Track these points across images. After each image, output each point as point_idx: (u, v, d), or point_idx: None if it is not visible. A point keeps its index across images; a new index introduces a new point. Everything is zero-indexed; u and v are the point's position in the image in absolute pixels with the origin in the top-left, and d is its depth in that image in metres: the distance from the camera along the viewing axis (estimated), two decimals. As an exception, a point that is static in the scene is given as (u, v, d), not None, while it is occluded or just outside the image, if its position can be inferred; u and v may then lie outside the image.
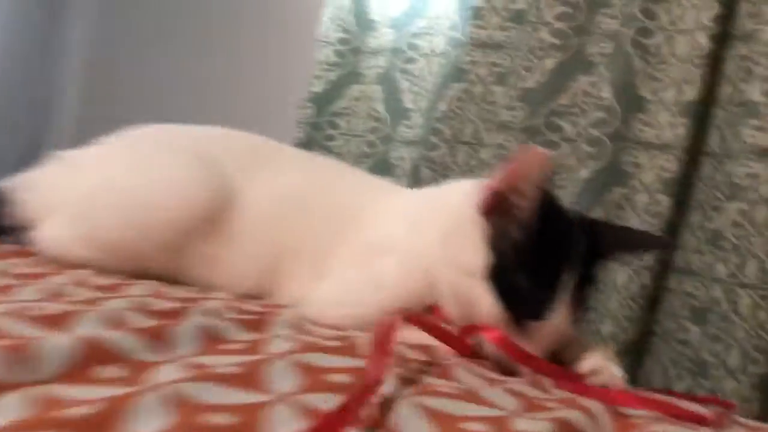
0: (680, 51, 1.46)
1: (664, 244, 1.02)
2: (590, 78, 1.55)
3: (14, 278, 0.73)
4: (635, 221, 1.45)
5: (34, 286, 0.70)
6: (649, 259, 1.42)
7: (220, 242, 0.94)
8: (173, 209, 0.92)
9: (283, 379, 0.49)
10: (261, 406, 0.43)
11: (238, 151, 1.02)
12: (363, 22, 1.84)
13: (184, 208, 0.92)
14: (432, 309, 0.87)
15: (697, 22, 1.44)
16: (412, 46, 1.79)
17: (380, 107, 1.81)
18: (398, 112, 1.79)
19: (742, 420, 0.71)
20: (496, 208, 0.78)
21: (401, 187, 1.14)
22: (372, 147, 1.80)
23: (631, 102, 1.47)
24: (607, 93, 1.47)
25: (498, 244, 0.79)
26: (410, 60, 1.79)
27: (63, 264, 0.90)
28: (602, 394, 0.67)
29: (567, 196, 1.49)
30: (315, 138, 1.83)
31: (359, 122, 1.83)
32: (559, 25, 1.57)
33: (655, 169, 1.45)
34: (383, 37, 1.83)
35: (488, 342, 0.76)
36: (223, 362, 0.52)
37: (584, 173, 1.47)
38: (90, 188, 0.95)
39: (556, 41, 1.56)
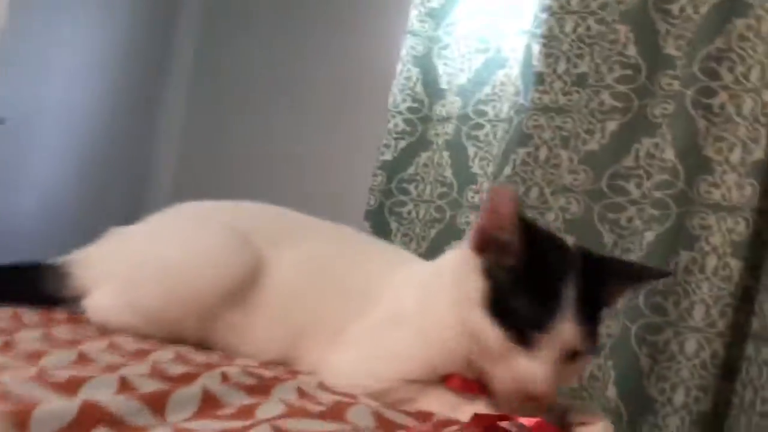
0: (745, 110, 1.42)
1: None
2: (653, 139, 1.53)
3: (51, 344, 0.81)
4: (705, 285, 1.40)
5: (68, 351, 0.77)
6: (720, 326, 1.37)
7: (247, 311, 1.00)
8: (208, 280, 1.00)
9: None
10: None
11: (266, 225, 1.10)
12: (431, 90, 1.90)
13: (218, 278, 1.00)
14: (445, 378, 0.88)
15: (761, 79, 1.40)
16: (479, 113, 1.83)
17: (448, 173, 1.85)
18: (466, 177, 1.82)
19: None
20: (485, 243, 0.85)
21: (416, 258, 1.18)
22: (440, 212, 1.84)
23: (695, 163, 1.44)
24: (670, 155, 1.45)
25: (493, 274, 0.84)
26: (477, 126, 1.83)
27: (107, 331, 0.99)
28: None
29: (633, 259, 1.46)
30: (385, 204, 1.89)
31: (428, 188, 1.87)
32: (620, 87, 1.56)
33: (723, 232, 1.41)
34: (451, 104, 1.88)
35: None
36: (207, 427, 0.56)
37: (649, 236, 1.44)
38: (134, 261, 1.05)
39: (618, 104, 1.56)
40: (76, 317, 1.05)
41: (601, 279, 0.88)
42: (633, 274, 1.00)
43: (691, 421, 1.37)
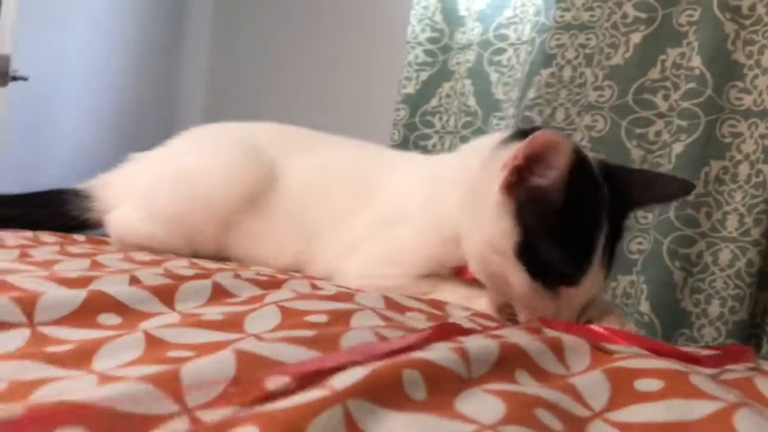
0: (776, 9, 1.36)
1: (688, 187, 0.95)
2: (680, 49, 1.48)
3: (67, 256, 0.82)
4: (738, 195, 1.37)
5: (82, 260, 0.79)
6: (755, 234, 1.34)
7: (262, 217, 1.02)
8: (224, 184, 1.01)
9: (260, 322, 0.54)
10: (228, 343, 0.48)
11: (280, 139, 1.11)
12: (451, 18, 1.87)
13: (234, 182, 1.02)
14: (457, 270, 0.88)
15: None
16: (500, 37, 1.80)
17: (472, 101, 1.82)
18: (490, 105, 1.80)
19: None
20: (518, 183, 0.78)
21: (421, 155, 1.17)
22: (466, 142, 1.82)
23: (725, 69, 1.39)
24: (697, 62, 1.40)
25: (524, 216, 0.78)
26: (498, 51, 1.80)
27: (126, 247, 1.01)
28: (586, 331, 0.65)
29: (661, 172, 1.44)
30: (410, 138, 1.87)
31: (452, 119, 1.85)
32: (643, -3, 1.51)
33: (755, 138, 1.37)
34: (471, 31, 1.84)
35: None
36: (214, 311, 0.58)
37: (678, 148, 1.41)
38: (154, 174, 1.07)
39: (641, 14, 1.51)
40: (97, 239, 1.07)
41: (629, 204, 0.85)
42: (661, 191, 0.92)
43: (727, 331, 1.36)
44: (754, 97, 1.38)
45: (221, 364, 0.41)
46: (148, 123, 2.22)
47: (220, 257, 1.04)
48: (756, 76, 1.38)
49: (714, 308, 1.38)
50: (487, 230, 0.80)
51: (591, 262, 0.78)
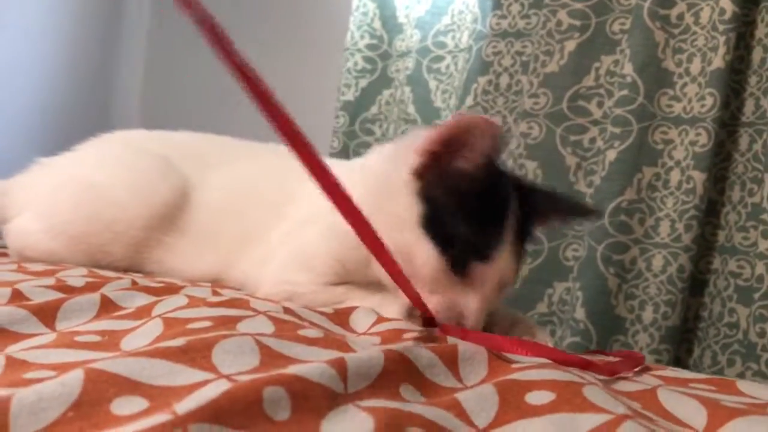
0: (703, 18, 1.38)
1: (595, 214, 0.96)
2: (613, 56, 1.49)
3: None
4: (669, 201, 1.38)
5: None
6: (686, 240, 1.35)
7: (176, 236, 0.97)
8: (134, 204, 0.96)
9: (138, 339, 0.51)
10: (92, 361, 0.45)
11: (193, 151, 1.07)
12: (389, 25, 1.85)
13: (145, 203, 0.97)
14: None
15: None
16: (439, 44, 1.79)
17: (411, 109, 1.80)
18: (429, 112, 1.78)
19: (656, 368, 0.66)
20: (432, 167, 0.78)
21: (338, 161, 1.15)
22: (405, 149, 1.80)
23: (655, 77, 1.40)
24: (629, 70, 1.41)
25: (433, 194, 0.78)
26: (437, 58, 1.79)
27: (24, 260, 0.95)
28: (486, 339, 0.63)
29: (597, 180, 1.44)
30: (350, 146, 1.85)
31: (392, 127, 1.83)
32: (576, 5, 1.51)
33: (686, 145, 1.38)
34: (410, 38, 1.83)
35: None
36: (93, 329, 0.54)
37: (611, 155, 1.41)
38: (58, 185, 1.01)
39: (576, 22, 1.51)
40: None
41: (532, 211, 0.84)
42: (562, 210, 0.93)
43: (660, 337, 1.36)
44: (683, 105, 1.39)
45: (65, 386, 0.38)
46: (80, 127, 2.14)
47: (133, 270, 0.99)
48: (685, 84, 1.39)
49: (647, 314, 1.38)
50: (393, 208, 0.78)
51: (502, 239, 0.77)
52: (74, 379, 0.38)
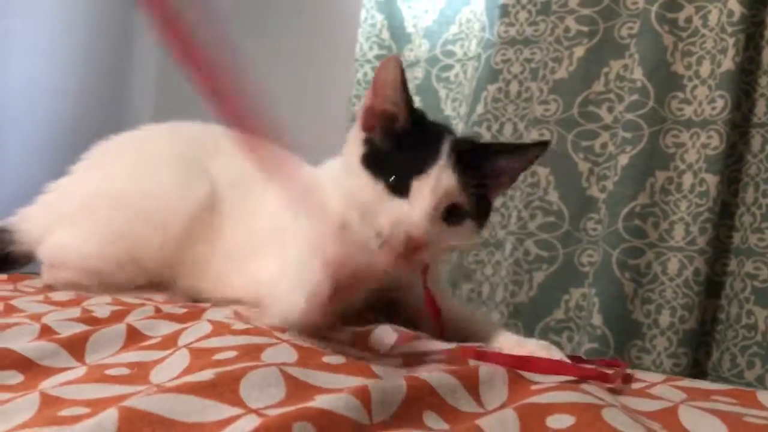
0: (712, 21, 1.38)
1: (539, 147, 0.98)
2: (622, 61, 1.49)
3: None
4: (683, 204, 1.38)
5: None
6: (700, 242, 1.35)
7: (205, 245, 0.99)
8: (176, 199, 0.98)
9: (166, 371, 0.52)
10: (124, 397, 0.46)
11: (216, 149, 1.09)
12: (398, 35, 1.86)
13: (186, 199, 0.99)
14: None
15: (726, -12, 1.36)
16: (447, 53, 1.80)
17: (422, 118, 1.81)
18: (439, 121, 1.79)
19: (675, 379, 0.67)
20: (373, 122, 0.86)
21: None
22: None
23: (665, 80, 1.40)
24: (638, 74, 1.41)
25: (375, 141, 0.85)
26: (446, 67, 1.80)
27: (56, 277, 0.97)
28: (504, 359, 0.64)
29: (610, 185, 1.44)
30: (362, 155, 1.86)
31: (403, 135, 1.84)
32: (584, 11, 1.52)
33: (697, 148, 1.38)
34: (419, 48, 1.84)
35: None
36: (121, 361, 0.55)
37: (623, 159, 1.42)
38: (89, 193, 1.02)
39: (584, 28, 1.52)
40: (16, 276, 1.03)
41: (478, 157, 0.87)
42: (508, 151, 0.96)
43: (678, 340, 1.36)
44: (694, 107, 1.39)
45: (102, 428, 0.39)
46: (94, 141, 2.16)
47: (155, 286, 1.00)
48: (695, 87, 1.39)
49: (664, 318, 1.38)
50: (345, 162, 0.86)
51: (435, 158, 0.81)
52: (109, 419, 0.40)
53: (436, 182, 0.80)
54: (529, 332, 1.49)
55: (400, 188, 0.80)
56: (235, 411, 0.42)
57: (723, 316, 1.39)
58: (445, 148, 0.82)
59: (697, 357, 1.40)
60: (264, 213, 0.97)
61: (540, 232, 1.53)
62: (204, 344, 0.58)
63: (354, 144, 0.87)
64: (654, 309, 1.40)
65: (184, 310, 0.74)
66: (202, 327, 0.64)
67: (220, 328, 0.64)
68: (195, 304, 0.82)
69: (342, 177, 0.86)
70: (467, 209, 0.84)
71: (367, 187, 0.81)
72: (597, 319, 1.40)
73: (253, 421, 0.39)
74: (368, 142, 0.85)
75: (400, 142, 0.83)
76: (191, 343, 0.58)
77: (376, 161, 0.83)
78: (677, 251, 1.38)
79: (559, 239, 1.52)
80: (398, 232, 0.76)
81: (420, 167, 0.80)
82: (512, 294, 1.54)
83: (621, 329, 1.40)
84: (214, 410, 0.42)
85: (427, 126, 0.88)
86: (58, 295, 0.87)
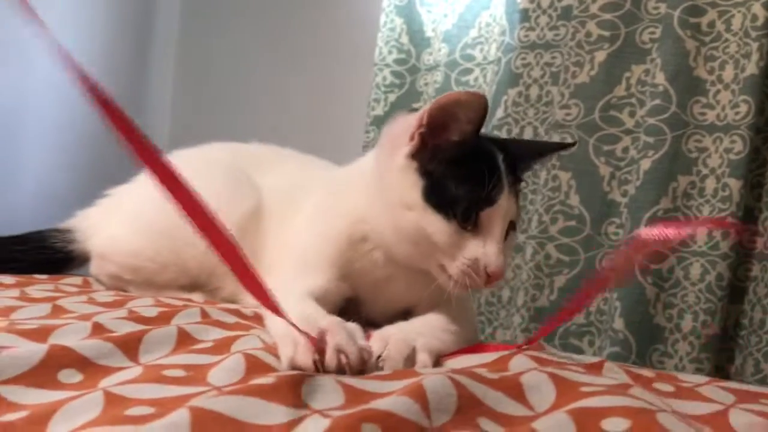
0: (735, 25, 1.38)
1: (566, 146, 1.10)
2: (644, 66, 1.50)
3: (24, 300, 0.81)
4: (705, 209, 1.39)
5: (43, 305, 0.77)
6: (723, 247, 1.35)
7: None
8: (228, 199, 0.99)
9: (224, 374, 0.53)
10: (188, 397, 0.46)
11: (256, 160, 1.12)
12: (417, 39, 1.87)
13: (238, 202, 1.01)
14: None
15: (750, -8, 1.36)
16: (466, 57, 1.80)
17: (441, 121, 1.81)
18: (459, 124, 1.80)
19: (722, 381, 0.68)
20: (422, 146, 0.82)
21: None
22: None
23: (687, 85, 1.41)
24: (660, 79, 1.41)
25: (430, 169, 0.82)
26: (465, 71, 1.80)
27: (103, 270, 1.00)
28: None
29: (632, 189, 1.45)
30: (381, 159, 1.86)
31: (422, 139, 1.84)
32: (605, 15, 1.52)
33: (720, 152, 1.38)
34: (438, 52, 1.84)
35: None
36: (179, 362, 0.56)
37: (645, 164, 1.42)
38: (141, 193, 1.03)
39: (605, 33, 1.52)
40: (57, 277, 1.05)
41: (515, 158, 0.88)
42: (537, 151, 0.99)
43: (700, 345, 1.37)
44: (717, 112, 1.39)
45: (179, 427, 0.39)
46: (111, 157, 2.18)
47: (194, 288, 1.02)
48: (718, 91, 1.39)
49: (687, 323, 1.39)
50: (395, 193, 0.82)
51: (502, 184, 0.81)
52: (183, 419, 0.40)
53: (505, 212, 0.81)
54: (550, 336, 1.49)
55: (467, 219, 0.80)
56: (301, 412, 0.43)
57: (746, 321, 1.39)
58: (502, 167, 0.82)
59: (719, 363, 1.40)
60: (290, 232, 0.97)
61: (561, 237, 1.53)
62: (259, 354, 0.58)
63: (404, 174, 0.83)
64: (676, 314, 1.40)
65: (235, 320, 0.75)
66: (254, 341, 0.65)
67: (272, 348, 0.64)
68: (236, 308, 0.82)
69: (378, 195, 0.85)
70: (515, 221, 0.86)
71: (442, 229, 0.79)
72: (619, 324, 1.40)
73: (321, 421, 0.40)
74: (424, 172, 0.82)
75: (456, 166, 0.81)
76: (246, 350, 0.59)
77: (438, 194, 0.80)
78: (700, 256, 1.38)
79: (580, 243, 1.52)
80: (479, 271, 0.79)
81: (488, 197, 0.80)
82: (533, 298, 1.54)
83: (643, 333, 1.40)
84: (280, 412, 0.43)
85: (477, 143, 0.84)
86: (101, 296, 0.88)
